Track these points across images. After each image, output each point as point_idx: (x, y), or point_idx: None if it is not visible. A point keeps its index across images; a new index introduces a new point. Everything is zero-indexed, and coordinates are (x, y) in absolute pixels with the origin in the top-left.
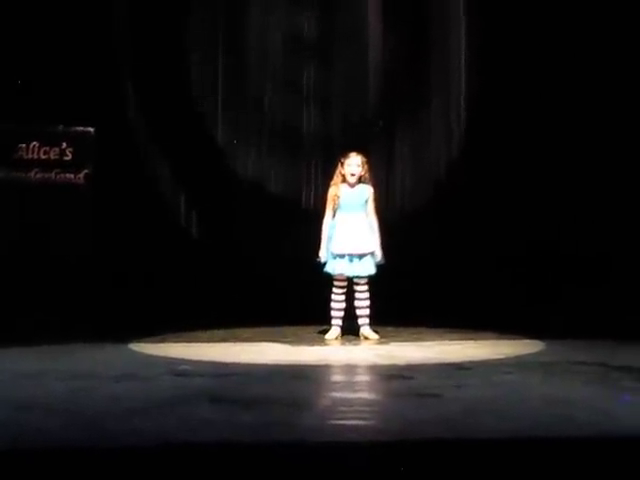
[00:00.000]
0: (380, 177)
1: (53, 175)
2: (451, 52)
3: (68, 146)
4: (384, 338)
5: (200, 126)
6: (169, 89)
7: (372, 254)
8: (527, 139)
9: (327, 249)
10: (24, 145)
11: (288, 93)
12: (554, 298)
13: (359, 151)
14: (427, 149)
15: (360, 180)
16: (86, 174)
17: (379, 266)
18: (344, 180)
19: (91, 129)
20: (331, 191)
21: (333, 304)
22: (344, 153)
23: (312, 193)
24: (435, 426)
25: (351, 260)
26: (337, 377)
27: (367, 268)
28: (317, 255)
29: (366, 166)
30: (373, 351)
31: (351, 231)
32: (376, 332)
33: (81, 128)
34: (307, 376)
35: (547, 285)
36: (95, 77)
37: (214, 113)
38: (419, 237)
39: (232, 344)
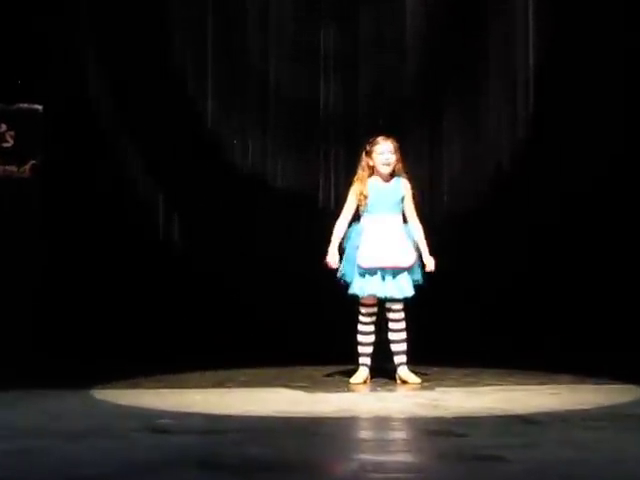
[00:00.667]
0: (422, 170)
1: None
2: (516, 18)
3: (9, 129)
4: (427, 382)
5: (184, 104)
6: (143, 54)
7: (410, 270)
8: (606, 127)
9: (354, 262)
10: None
11: (299, 62)
12: None
13: (388, 135)
14: (482, 137)
15: (393, 172)
16: (33, 165)
17: (417, 287)
18: (372, 173)
19: (39, 107)
20: (355, 188)
21: (360, 337)
22: (371, 140)
23: (332, 189)
24: None
25: (383, 278)
26: (366, 433)
27: (403, 289)
28: (334, 269)
29: (398, 153)
30: (413, 399)
31: (383, 239)
32: (417, 374)
33: (26, 105)
34: (326, 432)
35: None
36: (44, 40)
37: (203, 87)
38: (471, 246)
39: (227, 390)
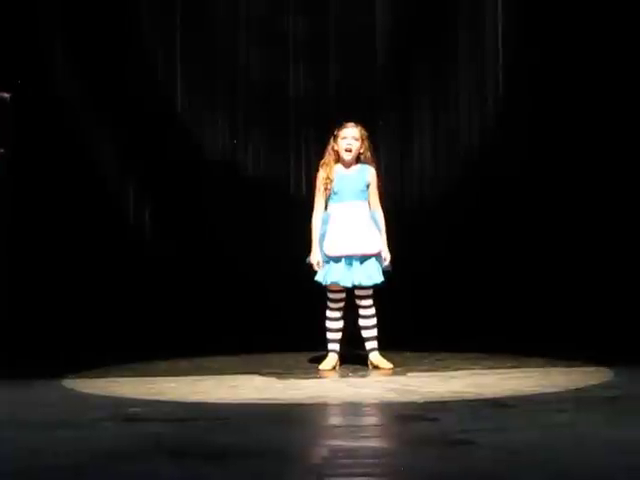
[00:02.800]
0: (393, 155)
1: None
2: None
3: None
4: (399, 367)
5: (154, 91)
6: (111, 38)
7: (377, 257)
8: (580, 110)
9: (320, 250)
10: None
11: (270, 47)
12: (628, 311)
13: (358, 122)
14: (453, 121)
15: (359, 159)
16: (1, 154)
17: (386, 273)
18: (338, 159)
19: (6, 95)
20: (321, 173)
21: (328, 323)
22: (340, 124)
23: (303, 176)
24: None
25: (350, 264)
26: (336, 419)
27: (372, 275)
28: (309, 261)
29: (367, 142)
30: (384, 384)
31: (349, 226)
32: (388, 359)
33: None
34: (297, 419)
35: (617, 293)
36: (11, 25)
37: (172, 74)
38: (442, 230)
39: (198, 378)
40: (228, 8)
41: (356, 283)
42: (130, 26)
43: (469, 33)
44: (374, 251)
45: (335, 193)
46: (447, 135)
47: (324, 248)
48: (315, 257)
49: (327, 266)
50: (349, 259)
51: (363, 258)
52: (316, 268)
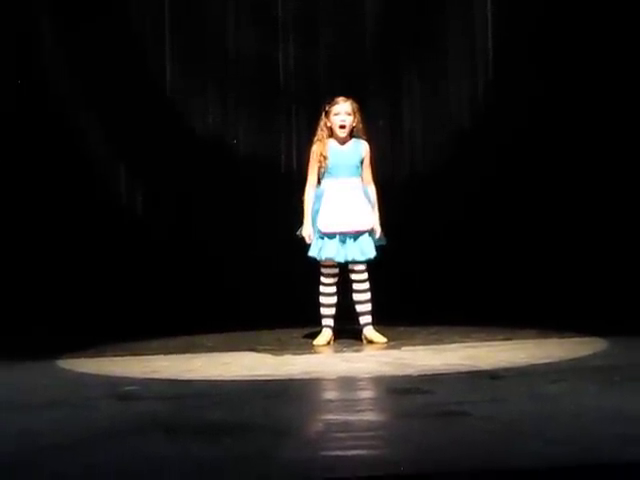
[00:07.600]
0: (384, 131)
1: None
2: None
3: None
4: (393, 341)
5: (142, 66)
6: (100, 20)
7: (371, 232)
8: (569, 84)
9: (314, 226)
10: None
11: (258, 22)
12: (619, 281)
13: (348, 96)
14: (444, 96)
15: (352, 134)
16: None
17: (380, 247)
18: (331, 134)
19: None
20: (315, 149)
21: (322, 299)
22: (330, 100)
23: (294, 153)
24: (461, 454)
25: (344, 241)
26: (331, 394)
27: (365, 250)
28: (300, 234)
29: (358, 115)
30: (378, 358)
31: (343, 203)
32: (382, 334)
33: None
34: (291, 394)
35: (609, 265)
36: None
37: (160, 49)
38: (435, 207)
39: (192, 356)
40: None
41: (350, 259)
42: (118, 6)
43: (460, 11)
44: (367, 227)
45: (329, 169)
46: (438, 109)
47: (318, 224)
48: (307, 230)
49: (321, 242)
50: (343, 236)
51: (356, 234)
52: (308, 241)
